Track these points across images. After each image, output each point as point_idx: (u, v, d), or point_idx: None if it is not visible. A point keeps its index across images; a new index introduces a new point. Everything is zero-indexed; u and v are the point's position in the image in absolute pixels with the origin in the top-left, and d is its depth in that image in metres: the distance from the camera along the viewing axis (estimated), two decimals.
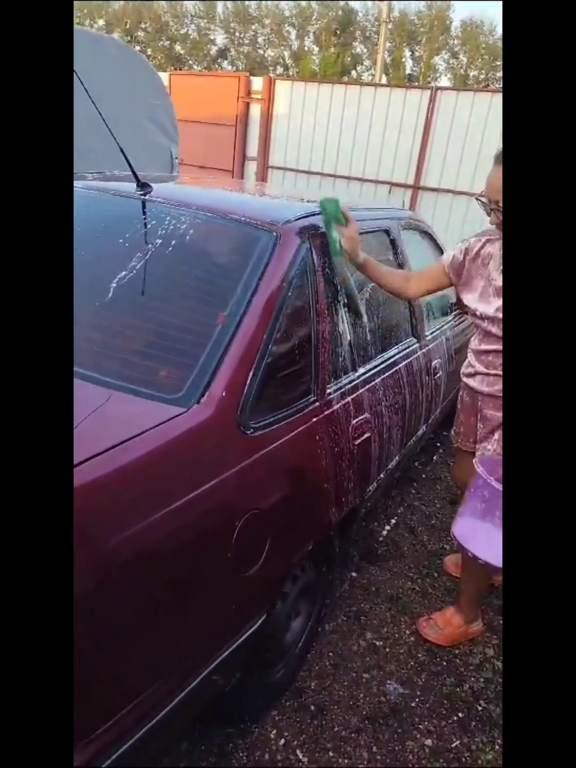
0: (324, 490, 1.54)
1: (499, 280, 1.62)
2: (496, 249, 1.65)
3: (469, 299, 1.72)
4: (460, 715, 1.74)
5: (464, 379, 1.84)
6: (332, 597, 2.07)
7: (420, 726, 1.69)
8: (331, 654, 1.88)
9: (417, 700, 1.77)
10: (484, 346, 1.72)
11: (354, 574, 2.25)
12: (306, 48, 32.31)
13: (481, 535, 1.39)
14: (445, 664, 1.91)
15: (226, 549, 1.18)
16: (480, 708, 1.76)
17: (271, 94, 7.58)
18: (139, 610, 1.02)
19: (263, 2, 31.32)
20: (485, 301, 1.66)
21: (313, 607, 1.80)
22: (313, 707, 1.69)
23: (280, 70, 32.28)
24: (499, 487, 1.30)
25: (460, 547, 1.47)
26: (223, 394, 1.20)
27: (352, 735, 1.63)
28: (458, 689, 1.82)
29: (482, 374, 1.74)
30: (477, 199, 1.58)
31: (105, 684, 0.98)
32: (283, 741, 1.59)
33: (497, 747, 1.64)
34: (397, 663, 1.88)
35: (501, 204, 1.45)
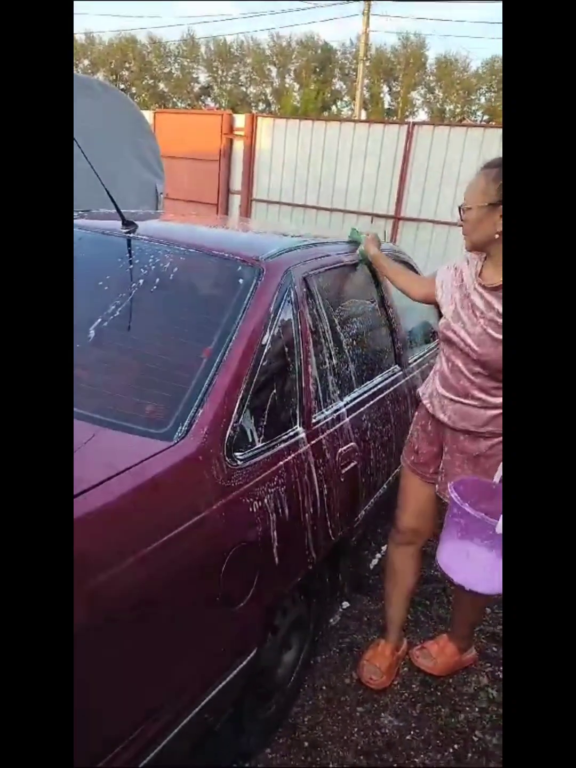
0: (312, 520, 1.54)
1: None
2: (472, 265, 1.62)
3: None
4: (456, 746, 1.71)
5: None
6: (324, 629, 2.05)
7: (415, 759, 1.66)
8: (324, 688, 1.85)
9: (412, 732, 1.74)
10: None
11: (346, 604, 2.23)
12: (287, 85, 33.24)
13: (463, 564, 1.39)
14: (439, 694, 1.89)
15: (215, 583, 1.17)
16: (476, 739, 1.74)
17: (253, 130, 7.75)
18: (128, 648, 1.01)
19: (244, 42, 32.24)
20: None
21: (305, 639, 1.78)
22: (306, 743, 1.66)
23: (262, 106, 33.12)
24: (474, 513, 1.31)
25: (446, 577, 1.47)
26: (209, 426, 1.21)
27: None
28: (453, 720, 1.80)
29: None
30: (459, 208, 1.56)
31: (93, 725, 0.96)
32: None
33: None
34: (391, 695, 1.86)
35: (466, 208, 1.50)
